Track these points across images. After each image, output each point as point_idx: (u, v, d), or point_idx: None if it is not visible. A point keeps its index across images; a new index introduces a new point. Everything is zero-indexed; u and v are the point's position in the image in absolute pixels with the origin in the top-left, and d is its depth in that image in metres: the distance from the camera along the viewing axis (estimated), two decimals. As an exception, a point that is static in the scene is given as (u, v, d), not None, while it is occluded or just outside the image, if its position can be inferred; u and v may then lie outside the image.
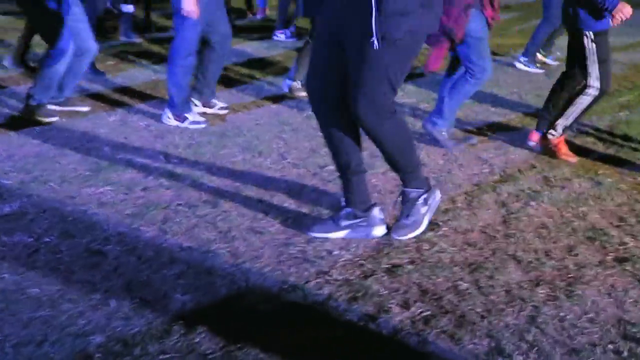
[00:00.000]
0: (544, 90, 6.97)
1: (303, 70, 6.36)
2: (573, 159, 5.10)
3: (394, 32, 3.26)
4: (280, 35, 8.96)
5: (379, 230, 3.72)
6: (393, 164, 3.70)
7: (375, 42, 3.23)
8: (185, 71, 5.40)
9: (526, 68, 7.91)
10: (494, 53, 8.57)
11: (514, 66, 8.00)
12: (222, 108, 5.82)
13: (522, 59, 7.96)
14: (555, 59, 8.09)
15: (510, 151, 5.25)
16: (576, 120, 5.17)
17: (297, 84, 6.40)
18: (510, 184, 4.57)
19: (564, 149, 5.15)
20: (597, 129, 5.86)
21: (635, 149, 5.44)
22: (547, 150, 5.17)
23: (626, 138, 5.71)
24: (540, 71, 7.87)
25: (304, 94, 6.33)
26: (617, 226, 4.00)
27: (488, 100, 6.57)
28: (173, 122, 5.43)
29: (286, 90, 6.46)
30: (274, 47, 8.60)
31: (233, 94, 6.44)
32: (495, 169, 4.85)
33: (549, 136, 5.17)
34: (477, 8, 4.93)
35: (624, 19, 4.80)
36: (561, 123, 5.15)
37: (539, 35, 7.94)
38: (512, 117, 6.17)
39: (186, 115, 5.44)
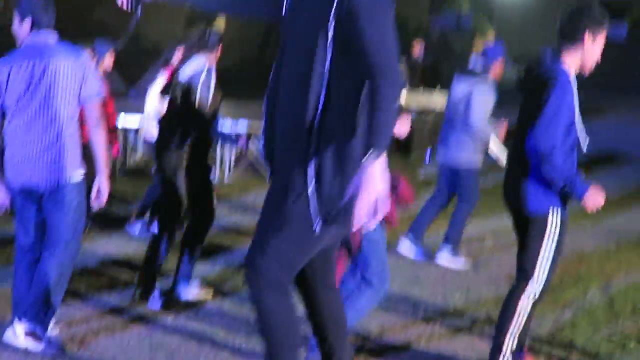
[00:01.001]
0: (474, 289, 7.21)
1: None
2: None
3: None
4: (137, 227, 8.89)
5: None
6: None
7: (317, 225, 3.73)
8: (68, 267, 5.42)
9: (450, 262, 8.09)
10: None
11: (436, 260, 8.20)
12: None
13: (445, 248, 8.17)
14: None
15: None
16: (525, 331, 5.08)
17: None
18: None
19: None
20: (537, 338, 5.99)
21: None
22: None
23: (572, 347, 5.86)
24: (469, 263, 8.08)
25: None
26: None
27: (408, 305, 6.68)
28: (25, 342, 5.32)
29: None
30: (127, 243, 8.58)
31: (87, 310, 6.36)
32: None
33: None
34: None
35: (596, 208, 4.84)
36: (510, 343, 5.02)
37: (459, 219, 8.21)
38: (437, 327, 6.28)
39: (43, 334, 5.36)
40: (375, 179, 3.54)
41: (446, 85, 8.46)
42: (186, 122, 6.46)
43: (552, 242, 4.93)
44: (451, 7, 50.51)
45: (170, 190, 6.50)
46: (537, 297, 4.98)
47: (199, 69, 6.43)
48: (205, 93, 6.41)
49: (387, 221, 5.16)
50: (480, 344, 5.85)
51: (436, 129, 14.30)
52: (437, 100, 14.66)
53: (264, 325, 3.89)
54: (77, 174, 5.40)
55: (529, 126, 4.82)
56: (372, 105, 3.59)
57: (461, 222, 8.17)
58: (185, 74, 6.45)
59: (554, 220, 4.90)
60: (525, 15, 47.15)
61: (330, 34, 3.67)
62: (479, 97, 7.89)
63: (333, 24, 3.66)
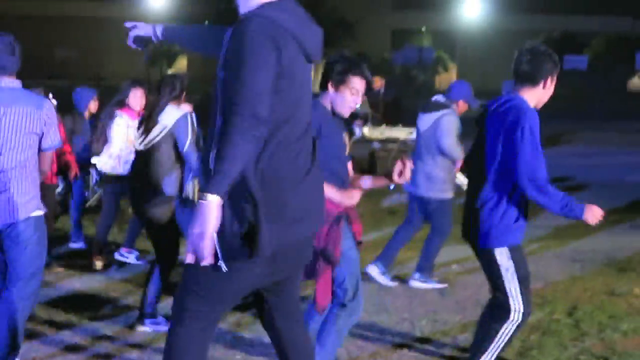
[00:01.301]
0: (440, 314, 7.19)
1: None
2: None
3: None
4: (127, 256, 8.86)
5: None
6: None
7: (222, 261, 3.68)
8: (31, 300, 5.37)
9: (424, 285, 8.11)
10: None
11: (406, 284, 8.19)
12: None
13: (416, 275, 8.18)
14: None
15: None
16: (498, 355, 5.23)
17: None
18: None
19: None
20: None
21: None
22: None
23: (539, 369, 5.87)
24: (441, 286, 8.09)
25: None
26: None
27: (375, 331, 6.66)
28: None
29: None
30: (90, 278, 8.41)
31: (51, 346, 6.28)
32: None
33: None
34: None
35: (597, 220, 5.02)
36: None
37: (431, 249, 8.23)
38: (404, 353, 6.25)
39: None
40: (204, 217, 3.50)
41: (408, 119, 8.53)
42: (168, 167, 6.52)
43: (511, 272, 5.13)
44: (412, 42, 51.11)
45: (162, 233, 6.62)
46: (520, 321, 5.18)
47: (179, 115, 6.48)
48: (190, 138, 6.47)
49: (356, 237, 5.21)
50: (448, 369, 5.85)
51: (399, 158, 14.41)
52: (399, 132, 14.75)
53: (166, 350, 3.92)
54: (34, 211, 5.35)
55: (492, 159, 5.02)
56: (219, 141, 3.57)
57: (432, 252, 8.20)
58: (165, 121, 6.49)
59: (502, 254, 5.11)
60: (487, 50, 47.86)
61: (220, 74, 3.74)
62: (447, 122, 7.92)
63: (221, 64, 3.74)
